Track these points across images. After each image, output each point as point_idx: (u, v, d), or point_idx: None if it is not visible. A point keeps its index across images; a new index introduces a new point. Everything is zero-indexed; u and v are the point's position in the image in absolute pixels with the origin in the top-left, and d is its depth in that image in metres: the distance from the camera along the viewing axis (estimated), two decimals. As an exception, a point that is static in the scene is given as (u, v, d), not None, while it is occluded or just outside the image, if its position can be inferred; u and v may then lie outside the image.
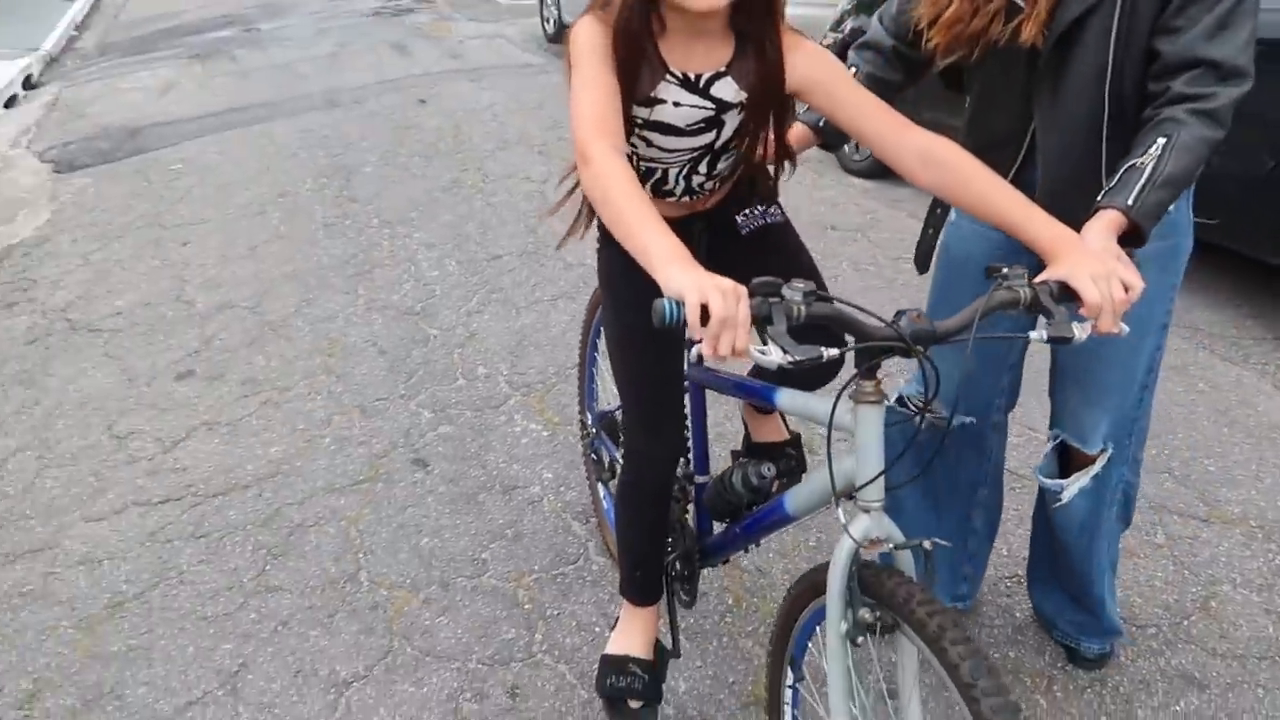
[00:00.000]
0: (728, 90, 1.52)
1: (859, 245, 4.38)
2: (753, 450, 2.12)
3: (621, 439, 1.95)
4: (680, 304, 1.11)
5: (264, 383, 3.47)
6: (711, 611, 2.32)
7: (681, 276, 1.14)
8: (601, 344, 2.44)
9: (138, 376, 3.60)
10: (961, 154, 1.42)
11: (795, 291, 1.17)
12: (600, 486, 2.52)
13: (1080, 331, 1.22)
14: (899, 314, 1.26)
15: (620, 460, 1.95)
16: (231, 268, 4.53)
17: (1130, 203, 1.35)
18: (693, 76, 1.50)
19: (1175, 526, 2.53)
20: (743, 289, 1.14)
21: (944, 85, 1.75)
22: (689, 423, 1.94)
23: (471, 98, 7.32)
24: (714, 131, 1.56)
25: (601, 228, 1.70)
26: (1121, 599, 2.24)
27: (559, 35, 8.93)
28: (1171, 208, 1.58)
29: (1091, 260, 1.26)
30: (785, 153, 1.71)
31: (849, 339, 1.27)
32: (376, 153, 6.15)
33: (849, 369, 1.35)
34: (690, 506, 2.02)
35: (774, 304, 1.16)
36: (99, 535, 2.72)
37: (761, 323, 1.15)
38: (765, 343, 1.15)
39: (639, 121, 1.54)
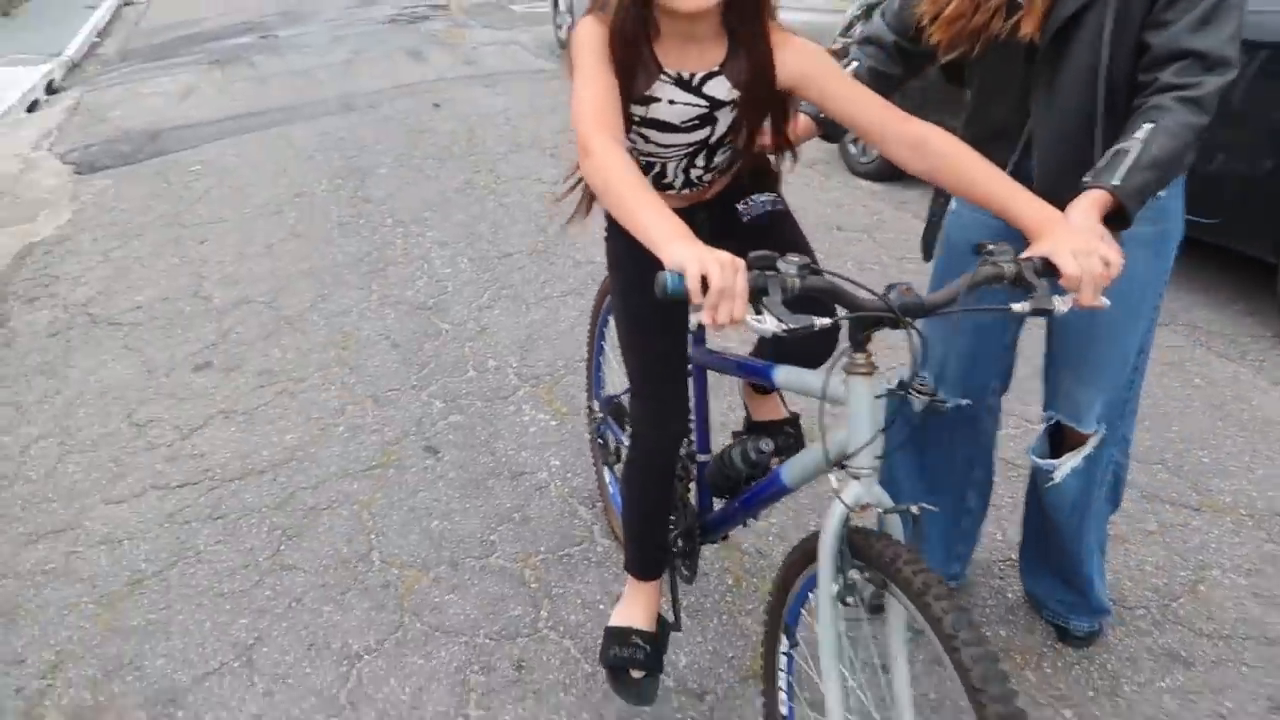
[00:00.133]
0: (720, 89, 1.59)
1: (864, 245, 4.45)
2: (753, 429, 2.19)
3: (628, 419, 2.02)
4: (682, 275, 1.18)
5: (279, 374, 3.56)
6: (712, 590, 2.38)
7: (683, 251, 1.20)
8: (608, 332, 2.52)
9: (156, 368, 3.70)
10: (951, 141, 1.49)
11: (790, 265, 1.25)
12: (606, 471, 2.59)
13: (1061, 304, 1.28)
14: (889, 287, 1.32)
15: (626, 441, 2.02)
16: (248, 265, 4.64)
17: (1117, 183, 1.41)
18: (686, 75, 1.57)
19: (1167, 514, 2.58)
20: (740, 262, 1.21)
21: (945, 79, 1.82)
22: (692, 403, 2.01)
23: (485, 102, 7.42)
24: (708, 128, 1.63)
25: (608, 216, 1.78)
26: (1112, 582, 2.29)
27: (571, 42, 9.00)
28: (1163, 194, 1.66)
29: (1073, 237, 1.32)
30: (786, 145, 1.78)
31: (840, 311, 1.34)
32: (391, 155, 6.25)
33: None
34: (692, 485, 2.09)
35: (770, 276, 1.23)
36: (119, 517, 2.81)
37: (758, 294, 1.22)
38: (761, 313, 1.22)
39: (636, 119, 1.61)
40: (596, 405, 2.61)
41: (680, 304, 1.19)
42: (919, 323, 1.33)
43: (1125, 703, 2.02)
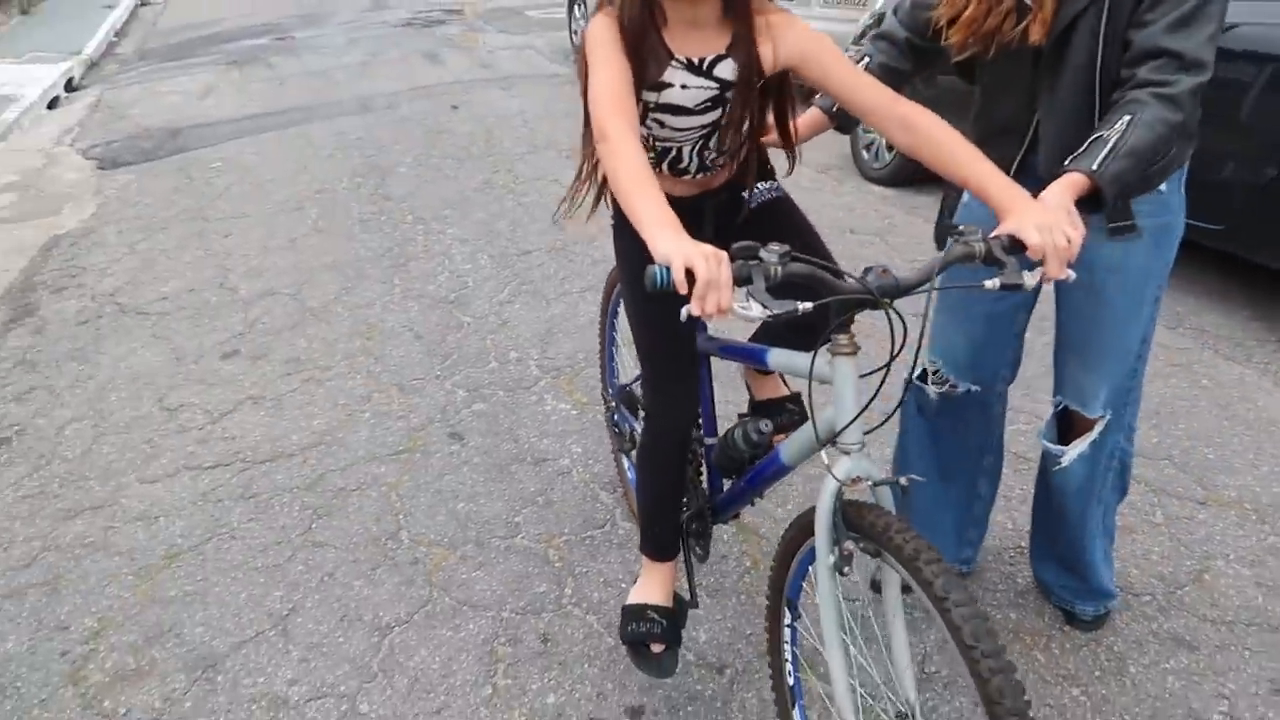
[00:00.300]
0: (728, 70, 1.68)
1: (876, 248, 4.53)
2: (756, 409, 2.27)
3: (641, 406, 2.10)
4: (669, 269, 1.25)
5: (306, 362, 3.65)
6: (731, 572, 2.46)
7: (668, 244, 1.28)
8: (619, 322, 2.60)
9: (185, 355, 3.78)
10: (936, 122, 1.59)
11: (772, 254, 1.31)
12: (624, 458, 2.67)
13: (1030, 279, 1.36)
14: (867, 270, 1.41)
15: (639, 428, 2.10)
16: (272, 258, 4.73)
17: (1094, 168, 1.50)
18: (696, 60, 1.66)
19: (1174, 508, 2.66)
20: (723, 253, 1.28)
21: (959, 77, 1.91)
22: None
23: (502, 104, 7.53)
24: (720, 109, 1.72)
25: (615, 209, 1.86)
26: (1119, 570, 2.37)
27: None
28: (1164, 188, 1.75)
29: (1037, 212, 1.41)
30: (787, 142, 1.88)
31: (824, 295, 1.41)
32: (410, 155, 6.35)
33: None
34: (703, 468, 2.17)
35: (753, 265, 1.31)
36: (154, 495, 2.89)
37: (743, 283, 1.30)
38: (747, 300, 1.29)
39: (651, 105, 1.70)
40: (610, 394, 2.69)
41: (675, 295, 1.26)
42: (935, 308, 1.41)
43: (1131, 682, 2.10)
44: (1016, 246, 1.39)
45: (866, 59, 1.98)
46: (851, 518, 1.48)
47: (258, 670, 2.21)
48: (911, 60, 1.96)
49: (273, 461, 3.02)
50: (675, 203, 1.79)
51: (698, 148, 1.80)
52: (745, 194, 1.91)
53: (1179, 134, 1.57)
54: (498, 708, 2.08)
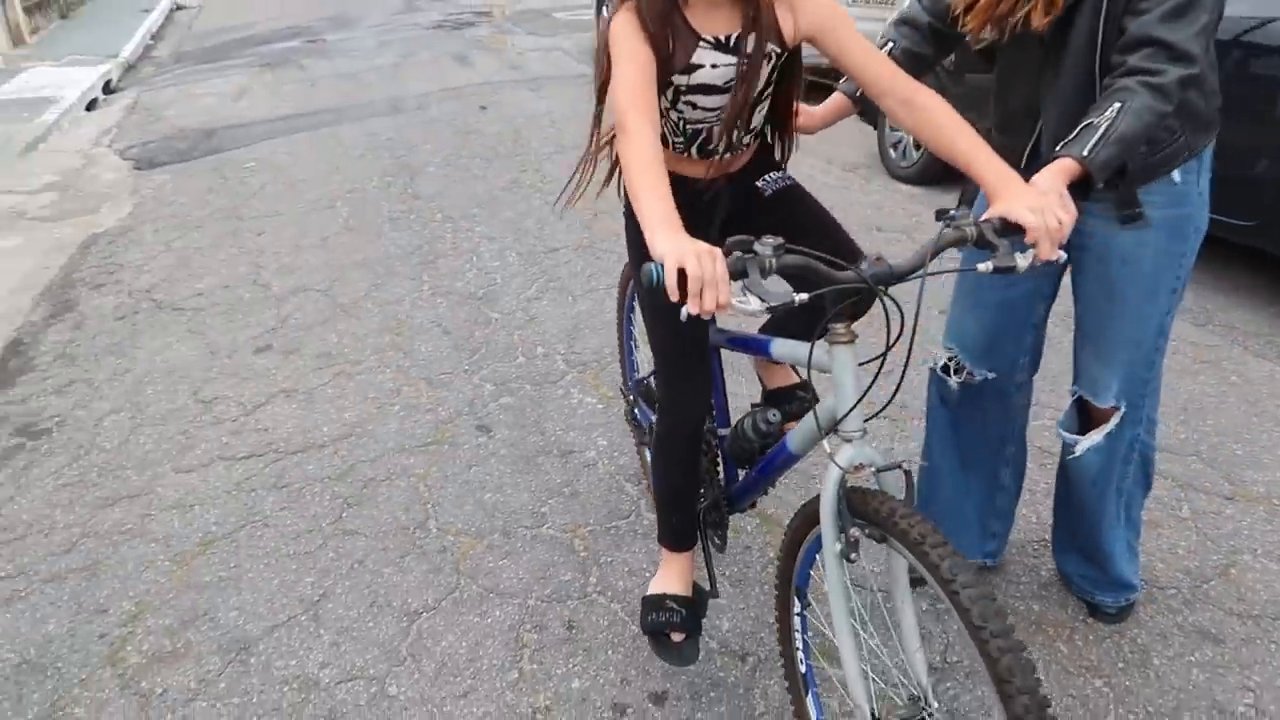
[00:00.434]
0: (753, 44, 1.69)
1: (903, 245, 4.53)
2: (768, 398, 2.29)
3: (656, 395, 2.13)
4: (663, 267, 1.27)
5: (337, 356, 3.71)
6: (754, 563, 2.48)
7: (663, 242, 1.31)
8: (635, 317, 2.63)
9: (219, 350, 3.86)
10: (937, 101, 1.61)
11: (766, 246, 1.33)
12: (646, 451, 2.70)
13: (1023, 260, 1.37)
14: (861, 259, 1.42)
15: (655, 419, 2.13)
16: (304, 256, 4.81)
17: (1085, 154, 1.52)
18: (723, 38, 1.68)
19: (1200, 502, 2.64)
20: (717, 250, 1.29)
21: (981, 63, 1.92)
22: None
23: (530, 105, 7.59)
24: (753, 86, 1.74)
25: (627, 198, 1.89)
26: (1144, 564, 2.36)
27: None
28: (1178, 178, 1.75)
29: (1028, 195, 1.43)
30: (788, 116, 1.92)
31: (821, 285, 1.43)
32: (439, 155, 6.42)
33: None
34: (718, 459, 2.19)
35: (748, 258, 1.32)
36: (189, 484, 2.96)
37: (738, 276, 1.31)
38: (744, 294, 1.31)
39: (683, 88, 1.72)
40: (628, 388, 2.72)
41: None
42: (944, 295, 1.42)
43: (1155, 674, 2.10)
44: (1009, 229, 1.40)
45: (890, 44, 2.00)
46: (856, 504, 1.50)
47: (290, 653, 2.26)
48: (934, 45, 1.99)
49: (304, 452, 3.08)
50: (693, 187, 1.83)
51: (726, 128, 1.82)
52: (759, 183, 1.94)
53: (1180, 118, 1.57)
54: (523, 691, 2.12)
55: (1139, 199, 1.76)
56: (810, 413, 1.61)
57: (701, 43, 1.68)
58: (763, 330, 2.07)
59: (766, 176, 1.96)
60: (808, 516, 1.65)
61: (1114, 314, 1.87)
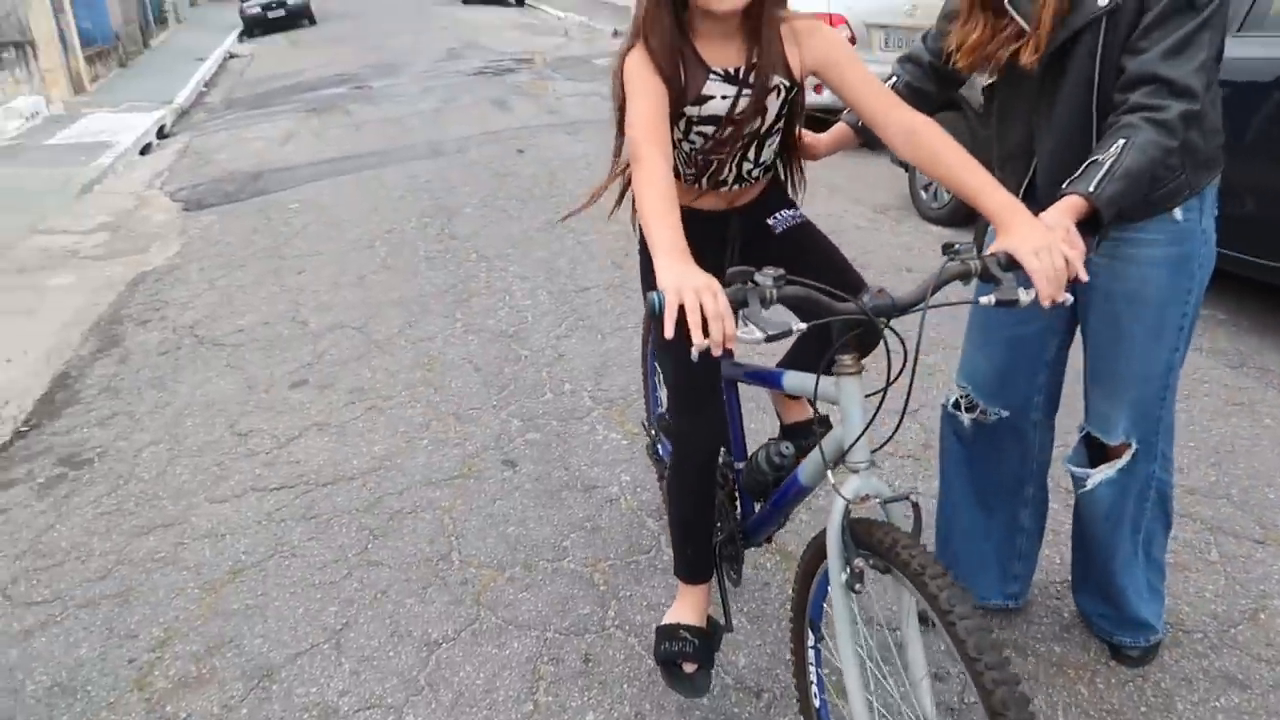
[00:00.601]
0: (762, 77, 1.74)
1: (945, 291, 4.53)
2: (785, 433, 2.30)
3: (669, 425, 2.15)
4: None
5: (369, 392, 3.79)
6: (774, 599, 2.48)
7: (667, 273, 1.34)
8: None
9: (257, 384, 3.96)
10: (938, 133, 1.63)
11: (766, 277, 1.35)
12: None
13: (1025, 296, 1.38)
14: (864, 291, 1.44)
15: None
16: (342, 293, 4.92)
17: (1091, 189, 1.53)
18: (733, 70, 1.74)
19: (1230, 546, 2.60)
20: (717, 284, 1.32)
21: (985, 103, 1.96)
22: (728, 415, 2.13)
23: (566, 149, 7.73)
24: (759, 118, 1.79)
25: (641, 241, 1.93)
26: (1171, 607, 2.33)
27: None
28: (1180, 216, 1.76)
29: (1035, 234, 1.43)
30: (793, 152, 1.96)
31: (821, 314, 1.44)
32: (476, 196, 6.56)
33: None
34: (735, 494, 2.20)
35: (749, 289, 1.34)
36: (222, 514, 3.03)
37: (739, 306, 1.34)
38: (745, 323, 1.33)
39: (694, 119, 1.77)
40: (650, 423, 2.74)
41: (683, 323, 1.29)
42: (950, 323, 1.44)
43: (1178, 719, 2.06)
44: (1014, 264, 1.41)
45: (895, 78, 2.05)
46: (860, 535, 1.51)
47: (311, 681, 2.30)
48: (935, 83, 2.03)
49: (334, 484, 3.14)
50: (703, 219, 1.87)
51: (737, 159, 1.87)
52: (770, 219, 1.97)
53: (1181, 155, 1.59)
54: (538, 723, 2.13)
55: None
56: (825, 444, 1.63)
57: (711, 75, 1.73)
58: (778, 364, 2.10)
59: (778, 214, 1.99)
60: (818, 548, 1.66)
61: (1121, 353, 1.87)
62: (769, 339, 1.31)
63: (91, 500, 3.18)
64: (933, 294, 1.41)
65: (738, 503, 2.20)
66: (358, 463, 3.27)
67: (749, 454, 2.08)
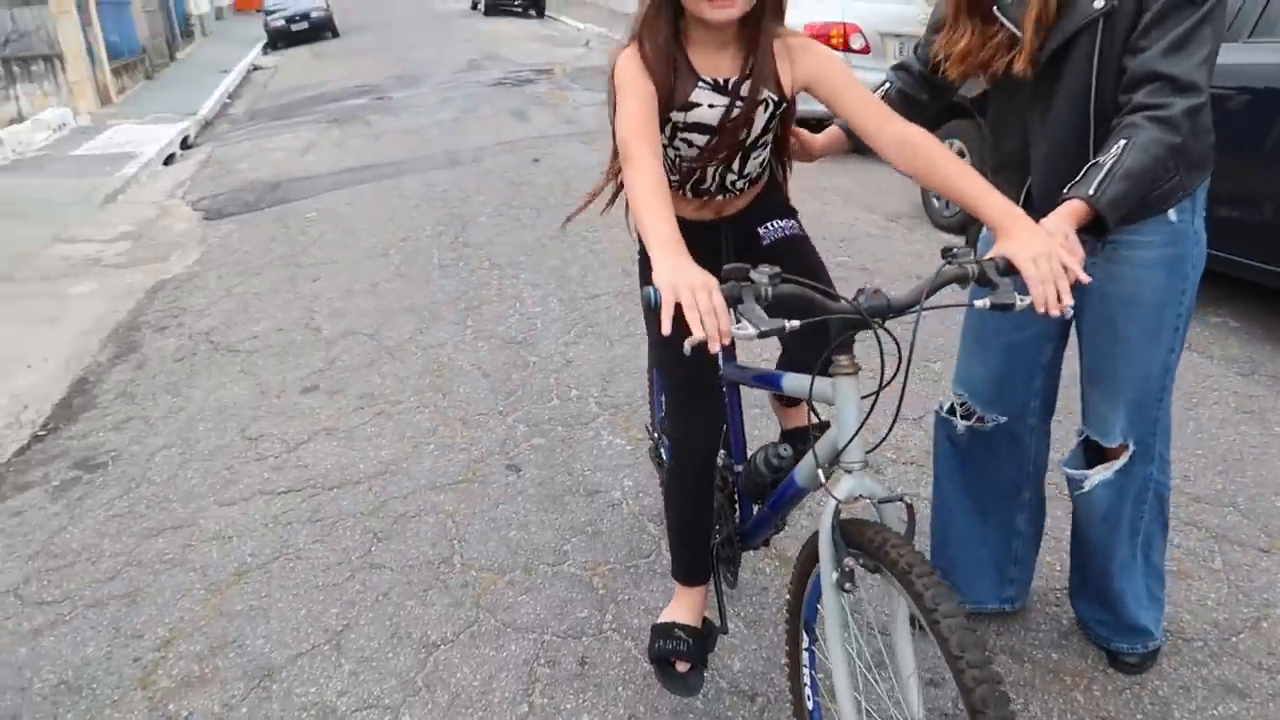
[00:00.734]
0: (751, 90, 1.76)
1: (941, 295, 4.52)
2: (785, 437, 2.30)
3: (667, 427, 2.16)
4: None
5: (379, 397, 3.83)
6: (770, 604, 2.49)
7: (663, 268, 1.35)
8: None
9: (269, 389, 4.00)
10: (932, 141, 1.64)
11: (762, 275, 1.36)
12: (670, 490, 2.73)
13: (1021, 301, 1.38)
14: (859, 291, 1.44)
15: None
16: (356, 301, 4.97)
17: (1091, 192, 1.53)
18: (722, 80, 1.76)
19: (1234, 554, 2.58)
20: (713, 281, 1.33)
21: (977, 112, 1.97)
22: (728, 417, 2.14)
23: (582, 158, 7.77)
24: (745, 129, 1.81)
25: (640, 242, 1.95)
26: (1171, 615, 2.31)
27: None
28: (1174, 217, 1.76)
29: (1033, 240, 1.43)
30: (784, 155, 1.98)
31: (815, 314, 1.45)
32: (491, 205, 6.61)
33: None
34: (734, 496, 2.21)
35: (744, 287, 1.36)
36: (230, 517, 3.07)
37: (734, 303, 1.35)
38: (739, 320, 1.35)
39: (680, 125, 1.79)
40: (653, 427, 2.76)
41: (681, 320, 1.31)
42: (949, 325, 1.45)
43: (1175, 727, 2.05)
44: (1012, 269, 1.41)
45: (888, 85, 2.06)
46: (851, 535, 1.52)
47: (310, 681, 2.32)
48: (927, 90, 2.03)
49: (340, 488, 3.18)
50: (692, 227, 1.88)
51: (720, 169, 1.88)
52: (761, 230, 1.99)
53: (1177, 155, 1.59)
54: (533, 725, 2.15)
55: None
56: (821, 445, 1.63)
57: (700, 83, 1.75)
58: (777, 366, 2.11)
59: (770, 224, 2.00)
60: (812, 551, 1.67)
61: (1117, 354, 1.87)
62: (762, 335, 1.32)
63: (104, 503, 3.23)
64: (928, 296, 1.41)
65: (737, 505, 2.21)
66: (364, 467, 3.30)
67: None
